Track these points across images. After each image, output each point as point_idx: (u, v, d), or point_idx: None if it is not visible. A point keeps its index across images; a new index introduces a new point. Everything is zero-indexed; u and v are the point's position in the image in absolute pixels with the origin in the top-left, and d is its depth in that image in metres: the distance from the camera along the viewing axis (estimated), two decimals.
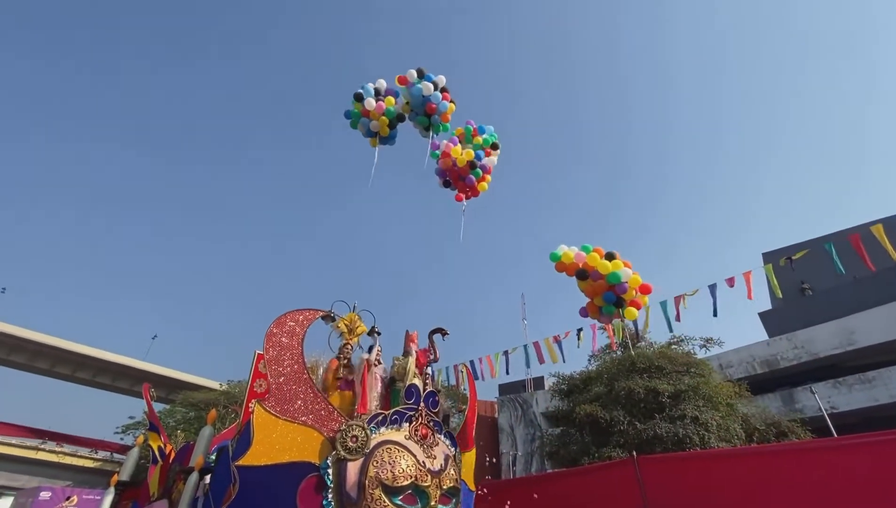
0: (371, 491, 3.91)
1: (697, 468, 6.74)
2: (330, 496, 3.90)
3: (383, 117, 7.18)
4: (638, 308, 6.90)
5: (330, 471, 3.98)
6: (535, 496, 5.87)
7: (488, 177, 7.79)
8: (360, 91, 7.16)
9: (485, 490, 6.30)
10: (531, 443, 23.12)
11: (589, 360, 18.68)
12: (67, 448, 37.80)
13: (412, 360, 5.16)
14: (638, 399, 14.47)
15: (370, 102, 7.17)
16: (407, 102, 7.52)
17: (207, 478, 5.17)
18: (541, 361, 11.25)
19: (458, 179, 7.52)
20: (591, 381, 16.89)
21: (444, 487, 4.34)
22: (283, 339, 4.61)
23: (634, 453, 7.06)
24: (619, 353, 17.69)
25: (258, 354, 6.07)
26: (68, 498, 12.98)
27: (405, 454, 4.22)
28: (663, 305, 8.77)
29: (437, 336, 5.38)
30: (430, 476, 4.23)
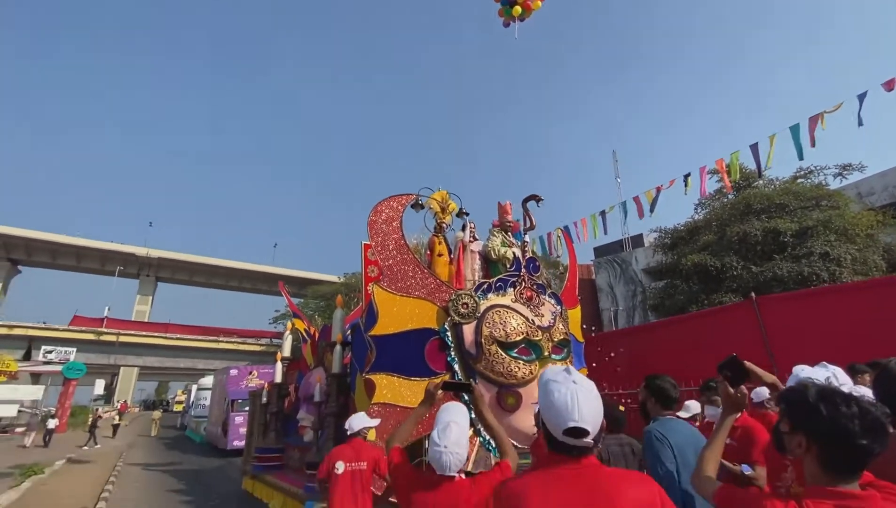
0: (488, 348, 4.30)
1: (825, 304, 6.25)
2: (452, 353, 4.39)
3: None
4: (529, 10, 7.77)
5: (449, 334, 4.42)
6: (612, 354, 5.93)
7: None
8: None
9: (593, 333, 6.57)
10: (632, 298, 23.27)
11: (696, 209, 17.35)
12: (237, 339, 47.40)
13: (497, 241, 5.26)
14: (754, 243, 13.40)
15: None
16: None
17: (348, 349, 6.11)
18: (640, 215, 10.57)
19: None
20: (699, 231, 15.86)
21: (555, 340, 4.61)
22: (383, 226, 4.86)
23: (753, 294, 6.74)
24: (731, 197, 16.08)
25: (364, 244, 6.56)
26: (250, 373, 16.53)
27: (514, 314, 4.48)
28: (794, 130, 7.27)
29: (531, 204, 5.26)
30: (540, 332, 4.49)
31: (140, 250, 49.73)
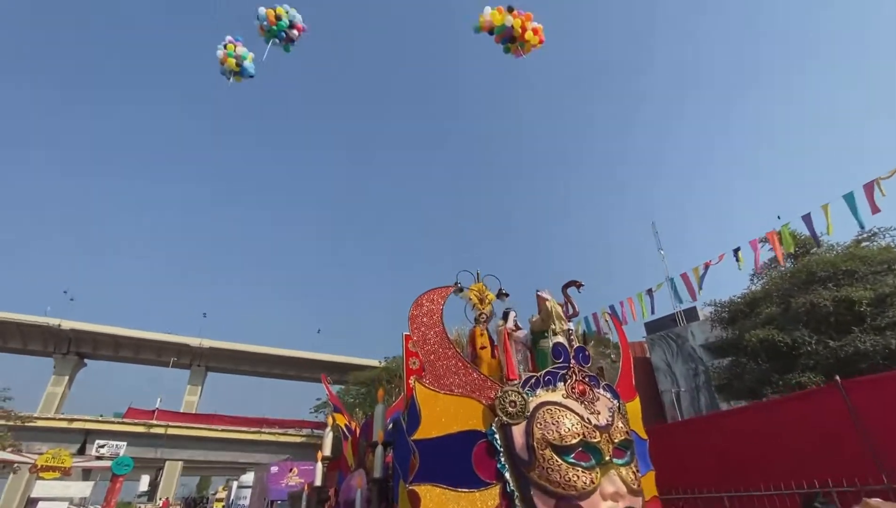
0: (541, 452, 3.92)
1: None
2: (503, 459, 4.03)
3: (230, 59, 10.60)
4: (535, 33, 8.41)
5: (497, 436, 4.10)
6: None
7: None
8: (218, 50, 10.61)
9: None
10: (694, 377, 21.40)
11: (751, 280, 16.35)
12: (279, 430, 46.71)
13: (554, 304, 5.02)
14: (825, 314, 12.26)
15: (221, 54, 10.61)
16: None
17: (389, 448, 5.79)
18: (692, 296, 9.99)
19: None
20: (758, 303, 14.79)
21: (616, 441, 4.16)
22: (424, 319, 4.81)
23: (838, 377, 5.99)
24: (787, 266, 15.12)
25: (406, 335, 6.51)
26: (290, 470, 15.93)
27: (567, 413, 4.13)
28: (848, 198, 6.91)
29: (571, 290, 5.11)
30: (598, 432, 4.08)
31: (194, 341, 51.85)
